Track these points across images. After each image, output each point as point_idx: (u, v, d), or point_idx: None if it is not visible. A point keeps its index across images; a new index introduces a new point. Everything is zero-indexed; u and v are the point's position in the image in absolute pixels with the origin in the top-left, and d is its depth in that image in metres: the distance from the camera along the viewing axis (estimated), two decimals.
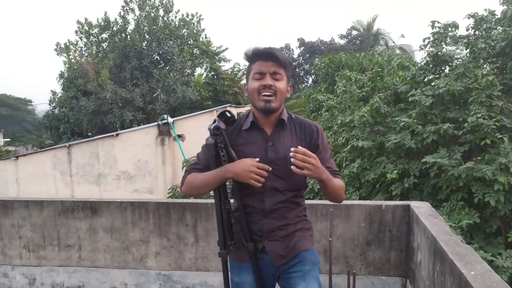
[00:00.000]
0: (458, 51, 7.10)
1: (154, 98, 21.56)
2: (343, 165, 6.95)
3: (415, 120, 5.86)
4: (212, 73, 24.50)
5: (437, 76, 6.42)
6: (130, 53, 22.14)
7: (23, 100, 48.43)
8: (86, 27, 23.83)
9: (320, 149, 2.34)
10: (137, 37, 22.11)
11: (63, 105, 22.59)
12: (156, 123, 15.57)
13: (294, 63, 34.51)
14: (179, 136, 15.00)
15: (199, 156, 2.42)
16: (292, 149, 2.09)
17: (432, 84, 6.07)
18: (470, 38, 6.50)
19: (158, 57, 23.40)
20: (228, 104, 17.90)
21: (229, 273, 2.49)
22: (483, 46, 6.15)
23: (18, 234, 4.80)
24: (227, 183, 2.32)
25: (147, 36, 22.82)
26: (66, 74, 22.99)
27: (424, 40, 6.73)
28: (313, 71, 21.84)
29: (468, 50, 6.50)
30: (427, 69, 6.61)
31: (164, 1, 23.56)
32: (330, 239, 3.62)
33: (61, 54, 22.68)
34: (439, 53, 6.31)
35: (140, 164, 15.11)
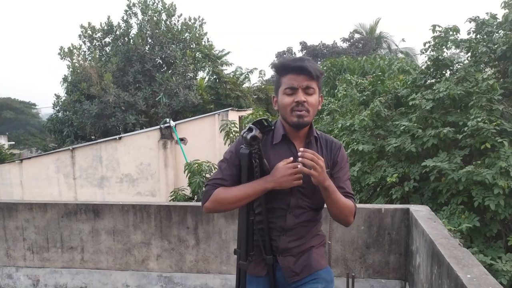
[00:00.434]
0: (462, 53, 7.11)
1: (156, 102, 21.60)
2: None
3: (415, 124, 5.88)
4: (214, 76, 24.54)
5: (438, 80, 6.43)
6: (133, 57, 22.20)
7: (27, 103, 48.59)
8: (89, 31, 23.91)
9: (337, 169, 2.29)
10: (140, 41, 22.17)
11: (67, 108, 22.65)
12: (158, 126, 15.61)
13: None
14: (181, 139, 15.04)
15: (223, 170, 2.26)
16: (301, 149, 2.05)
17: (433, 88, 6.09)
18: (472, 42, 6.52)
19: (160, 61, 23.45)
20: (230, 108, 17.92)
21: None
22: (484, 50, 6.16)
23: (22, 236, 4.86)
24: None
25: (149, 40, 22.87)
26: (70, 78, 23.06)
27: (424, 44, 6.76)
28: None
29: (469, 54, 6.52)
30: (427, 73, 6.63)
31: (166, 5, 23.64)
32: (329, 242, 3.65)
33: (64, 58, 22.72)
34: (439, 57, 6.33)
35: (143, 167, 15.16)
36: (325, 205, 2.25)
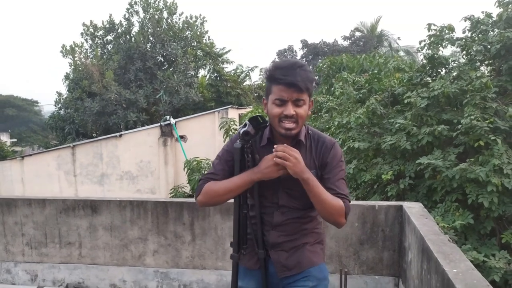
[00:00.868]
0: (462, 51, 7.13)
1: (157, 99, 21.68)
2: None
3: (410, 122, 5.91)
4: (215, 74, 24.65)
5: (433, 78, 6.47)
6: (135, 55, 22.28)
7: (29, 101, 48.71)
8: (91, 29, 23.99)
9: (327, 169, 2.27)
10: (141, 39, 22.24)
11: (69, 106, 22.75)
12: (158, 124, 15.68)
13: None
14: (181, 137, 15.09)
15: (215, 165, 2.34)
16: (275, 145, 2.12)
17: (429, 86, 6.12)
18: (467, 40, 6.55)
19: (162, 59, 23.53)
20: (230, 106, 17.96)
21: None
22: (479, 48, 6.20)
23: (21, 232, 4.92)
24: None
25: (151, 38, 22.94)
26: (72, 75, 23.16)
27: (420, 43, 6.80)
28: (315, 73, 21.88)
29: (464, 53, 6.55)
30: (423, 71, 6.66)
31: (168, 4, 23.69)
32: None
33: (66, 56, 22.82)
34: (435, 55, 6.36)
35: (143, 164, 15.23)
36: None
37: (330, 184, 2.22)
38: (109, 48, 24.32)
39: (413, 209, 4.09)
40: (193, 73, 23.96)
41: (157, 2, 23.45)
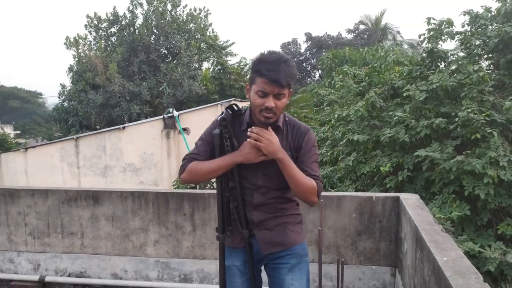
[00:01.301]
0: (461, 45, 7.16)
1: (161, 92, 21.73)
2: (339, 158, 7.08)
3: (409, 115, 5.96)
4: (219, 67, 24.66)
5: (432, 71, 6.50)
6: (138, 47, 22.32)
7: (33, 93, 48.82)
8: (95, 21, 24.03)
9: (301, 152, 2.47)
10: (145, 31, 22.27)
11: (72, 98, 22.82)
12: (161, 116, 15.74)
13: (301, 58, 34.62)
14: (184, 129, 15.15)
15: (198, 147, 2.51)
16: (249, 128, 2.34)
17: (428, 79, 6.16)
18: (467, 34, 6.58)
19: (165, 51, 23.57)
20: (233, 98, 18.01)
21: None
22: (477, 42, 6.24)
23: (24, 222, 4.98)
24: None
25: (155, 30, 22.98)
26: (75, 67, 23.22)
27: (420, 37, 6.83)
28: (318, 65, 21.92)
29: (463, 47, 6.59)
30: (423, 64, 6.70)
31: None
32: (320, 228, 3.74)
33: (70, 48, 22.88)
34: (434, 49, 6.40)
35: (146, 156, 15.30)
36: None
37: (304, 166, 2.43)
38: (113, 40, 24.37)
39: (410, 200, 4.14)
40: (196, 66, 24.00)
41: None
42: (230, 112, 2.47)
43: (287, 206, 2.58)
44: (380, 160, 6.10)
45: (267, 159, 2.36)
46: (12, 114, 43.83)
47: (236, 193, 2.49)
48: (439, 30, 6.53)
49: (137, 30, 22.98)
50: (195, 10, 24.43)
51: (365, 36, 32.04)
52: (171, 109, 15.76)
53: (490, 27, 6.41)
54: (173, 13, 23.87)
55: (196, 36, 24.45)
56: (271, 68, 2.26)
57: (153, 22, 22.91)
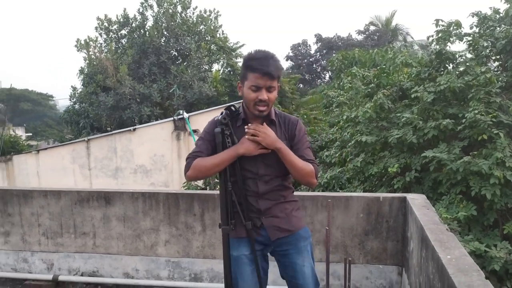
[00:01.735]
0: (469, 47, 7.18)
1: (171, 94, 21.83)
2: (348, 159, 7.13)
3: (417, 116, 6.00)
4: (229, 69, 24.72)
5: (441, 73, 6.53)
6: (149, 49, 22.43)
7: (44, 95, 49.08)
8: (105, 24, 24.17)
9: (295, 141, 2.72)
10: (156, 33, 22.38)
11: (83, 100, 22.95)
12: (172, 118, 15.82)
13: (311, 59, 34.67)
14: (194, 131, 15.20)
15: (200, 145, 2.69)
16: (246, 126, 2.60)
17: (436, 81, 6.20)
18: (475, 36, 6.60)
19: (175, 53, 23.66)
20: (242, 100, 18.02)
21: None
22: (485, 44, 6.26)
23: (37, 222, 5.08)
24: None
25: (165, 32, 23.07)
26: (86, 70, 23.37)
27: (428, 38, 6.86)
28: (327, 67, 21.91)
29: (471, 48, 6.61)
30: (431, 66, 6.73)
31: None
32: (327, 228, 3.79)
33: (81, 50, 23.03)
34: (442, 50, 6.43)
35: (156, 158, 15.38)
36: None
37: (300, 152, 2.68)
38: (123, 43, 24.49)
39: (416, 200, 4.19)
40: (206, 68, 24.07)
41: None
42: (229, 112, 2.67)
43: (286, 194, 2.79)
44: (388, 161, 6.14)
45: (266, 152, 2.59)
46: (23, 116, 44.12)
47: (238, 186, 2.65)
48: (447, 32, 6.56)
49: (147, 32, 23.10)
50: (205, 12, 24.53)
51: (375, 37, 32.00)
52: (181, 111, 15.83)
53: (498, 28, 6.43)
54: (183, 15, 23.96)
55: (206, 38, 24.53)
56: (261, 63, 2.50)
57: (163, 24, 23.02)
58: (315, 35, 34.18)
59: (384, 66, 7.83)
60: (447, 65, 6.71)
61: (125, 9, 23.93)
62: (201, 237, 4.75)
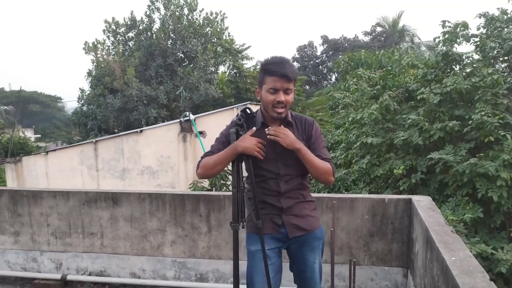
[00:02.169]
0: (476, 48, 7.15)
1: (178, 96, 21.91)
2: (353, 161, 7.13)
3: (423, 118, 6.00)
4: (235, 71, 24.78)
5: (447, 74, 6.52)
6: (155, 52, 22.53)
7: (53, 97, 49.30)
8: (113, 26, 24.31)
9: (312, 140, 2.82)
10: (162, 35, 22.48)
11: (91, 102, 23.09)
12: (178, 120, 15.88)
13: (317, 61, 34.71)
14: (201, 132, 15.23)
15: (213, 145, 2.83)
16: (266, 129, 2.68)
17: (442, 82, 6.18)
18: (482, 37, 6.58)
19: (182, 55, 23.75)
20: (249, 102, 18.08)
21: (247, 245, 2.89)
22: (492, 45, 6.24)
23: (46, 222, 5.12)
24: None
25: (172, 35, 23.17)
26: (94, 72, 23.51)
27: (434, 39, 6.85)
28: (334, 69, 21.87)
29: (478, 49, 6.59)
30: (437, 67, 6.72)
31: (188, 0, 23.87)
32: (332, 229, 3.79)
33: (89, 53, 23.18)
34: (448, 52, 6.42)
35: (163, 159, 15.43)
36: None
37: (317, 152, 2.78)
38: (131, 45, 24.62)
39: (422, 202, 4.18)
40: (213, 70, 24.15)
41: None
42: (244, 114, 2.76)
43: (305, 193, 2.90)
44: (394, 162, 6.14)
45: (261, 154, 2.65)
46: (32, 118, 44.39)
47: (255, 186, 2.74)
48: (454, 33, 6.54)
49: (154, 35, 23.21)
50: (211, 14, 24.62)
51: (382, 39, 31.95)
52: (187, 113, 15.88)
53: (506, 29, 6.40)
54: (190, 18, 24.06)
55: (213, 40, 24.61)
56: (278, 66, 2.62)
57: (170, 27, 23.12)
58: (321, 37, 34.26)
59: (390, 68, 7.82)
60: (453, 67, 6.69)
61: (132, 11, 24.08)
62: (207, 238, 4.77)
